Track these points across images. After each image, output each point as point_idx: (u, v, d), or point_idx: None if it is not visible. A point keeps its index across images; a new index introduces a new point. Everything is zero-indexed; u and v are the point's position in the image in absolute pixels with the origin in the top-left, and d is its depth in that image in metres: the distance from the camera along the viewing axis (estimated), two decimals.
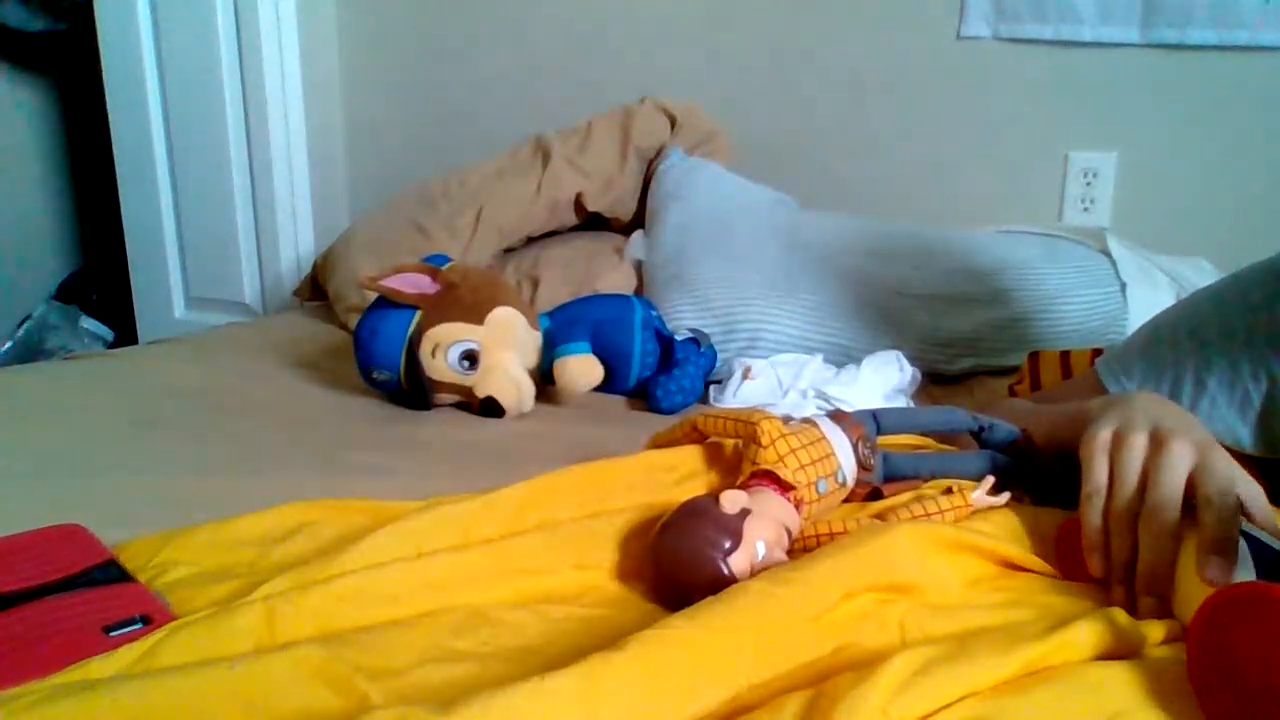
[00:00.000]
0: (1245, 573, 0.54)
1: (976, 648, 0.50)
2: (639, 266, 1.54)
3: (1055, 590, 0.62)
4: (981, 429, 0.79)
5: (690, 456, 0.79)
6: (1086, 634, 0.53)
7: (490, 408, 1.12)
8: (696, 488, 0.75)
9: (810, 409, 1.15)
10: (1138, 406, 0.66)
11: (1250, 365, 0.82)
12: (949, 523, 0.66)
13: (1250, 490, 0.60)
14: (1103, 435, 0.64)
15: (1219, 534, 0.55)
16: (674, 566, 0.61)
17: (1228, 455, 0.61)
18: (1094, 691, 0.49)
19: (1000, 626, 0.55)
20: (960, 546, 0.62)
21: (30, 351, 2.40)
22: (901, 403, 1.23)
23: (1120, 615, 0.55)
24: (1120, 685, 0.49)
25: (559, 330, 1.20)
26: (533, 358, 1.18)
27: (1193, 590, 0.55)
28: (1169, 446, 0.60)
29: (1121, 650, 0.53)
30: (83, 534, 0.70)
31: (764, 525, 0.62)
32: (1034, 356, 1.20)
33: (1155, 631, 0.55)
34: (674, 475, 0.77)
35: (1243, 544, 0.55)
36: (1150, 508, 0.59)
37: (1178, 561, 0.57)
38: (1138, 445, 0.62)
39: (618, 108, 1.73)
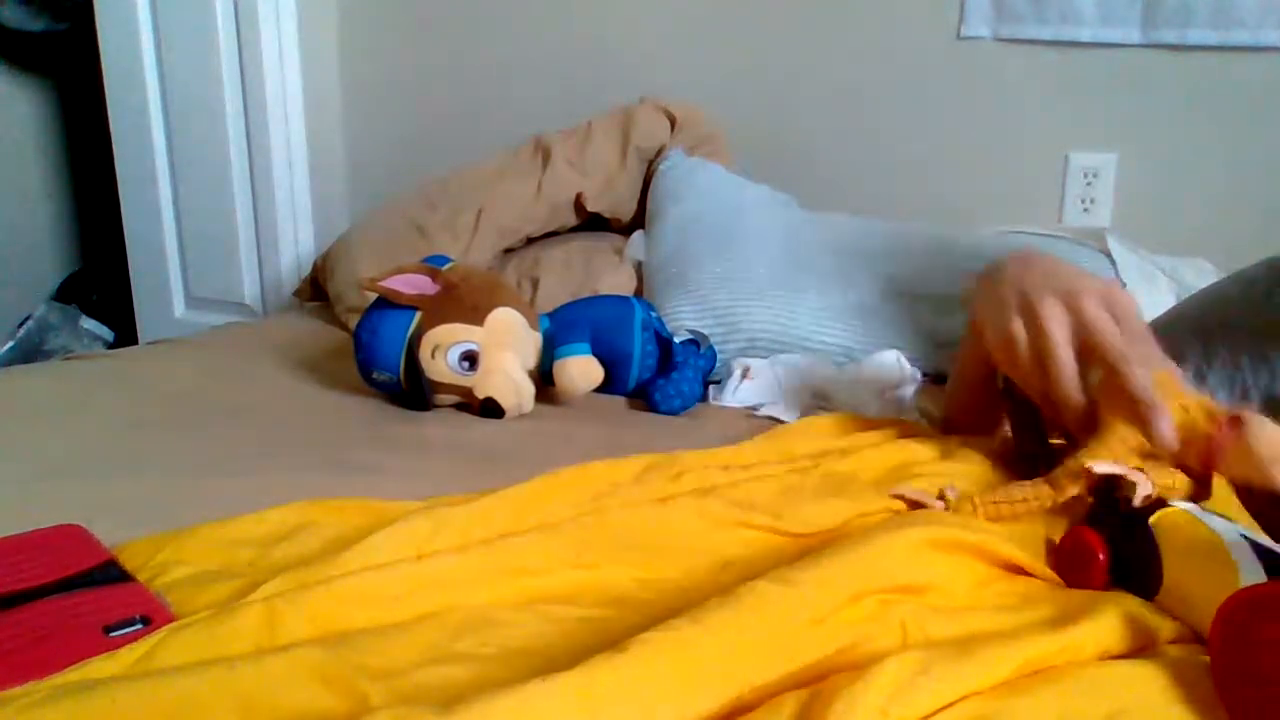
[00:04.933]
0: (1253, 572, 0.54)
1: (978, 647, 0.50)
2: (639, 267, 1.53)
3: (1062, 594, 0.62)
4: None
5: (690, 456, 0.78)
6: (1091, 633, 0.52)
7: (490, 409, 1.12)
8: (697, 487, 0.75)
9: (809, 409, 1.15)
10: (1006, 285, 0.74)
11: (1250, 360, 0.82)
12: (1034, 510, 0.68)
13: (1122, 301, 0.70)
14: (1001, 340, 0.73)
15: (1134, 395, 0.63)
16: None
17: (1098, 293, 0.70)
18: (1096, 691, 0.49)
19: (1004, 628, 0.55)
20: (966, 548, 0.62)
21: (30, 352, 2.40)
22: (900, 403, 1.22)
23: (1132, 608, 0.55)
24: (1123, 684, 0.49)
25: (559, 331, 1.20)
26: (533, 358, 1.18)
27: (1197, 591, 0.55)
28: (1040, 312, 0.70)
29: (1127, 650, 0.53)
30: (83, 534, 0.70)
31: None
32: None
33: (1164, 632, 0.55)
34: (673, 473, 0.77)
35: (1244, 544, 0.55)
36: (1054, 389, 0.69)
37: (1167, 562, 0.57)
38: (1022, 335, 0.72)
39: (618, 108, 1.73)
